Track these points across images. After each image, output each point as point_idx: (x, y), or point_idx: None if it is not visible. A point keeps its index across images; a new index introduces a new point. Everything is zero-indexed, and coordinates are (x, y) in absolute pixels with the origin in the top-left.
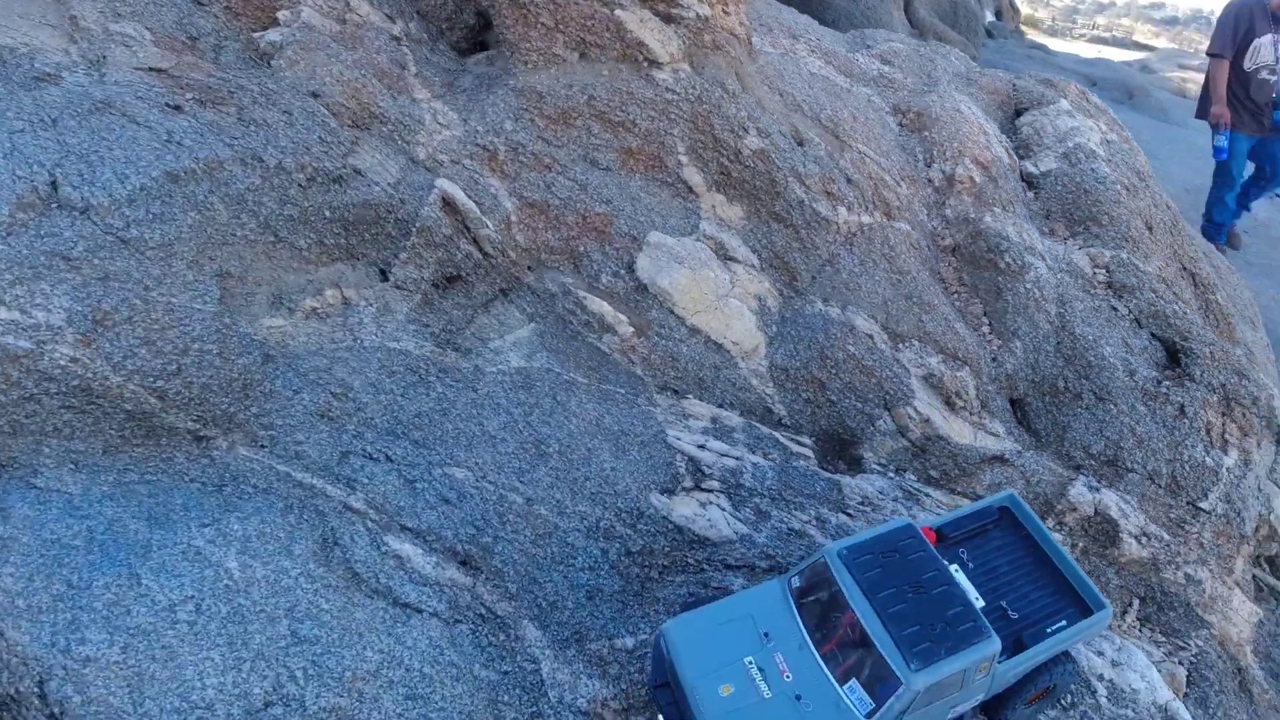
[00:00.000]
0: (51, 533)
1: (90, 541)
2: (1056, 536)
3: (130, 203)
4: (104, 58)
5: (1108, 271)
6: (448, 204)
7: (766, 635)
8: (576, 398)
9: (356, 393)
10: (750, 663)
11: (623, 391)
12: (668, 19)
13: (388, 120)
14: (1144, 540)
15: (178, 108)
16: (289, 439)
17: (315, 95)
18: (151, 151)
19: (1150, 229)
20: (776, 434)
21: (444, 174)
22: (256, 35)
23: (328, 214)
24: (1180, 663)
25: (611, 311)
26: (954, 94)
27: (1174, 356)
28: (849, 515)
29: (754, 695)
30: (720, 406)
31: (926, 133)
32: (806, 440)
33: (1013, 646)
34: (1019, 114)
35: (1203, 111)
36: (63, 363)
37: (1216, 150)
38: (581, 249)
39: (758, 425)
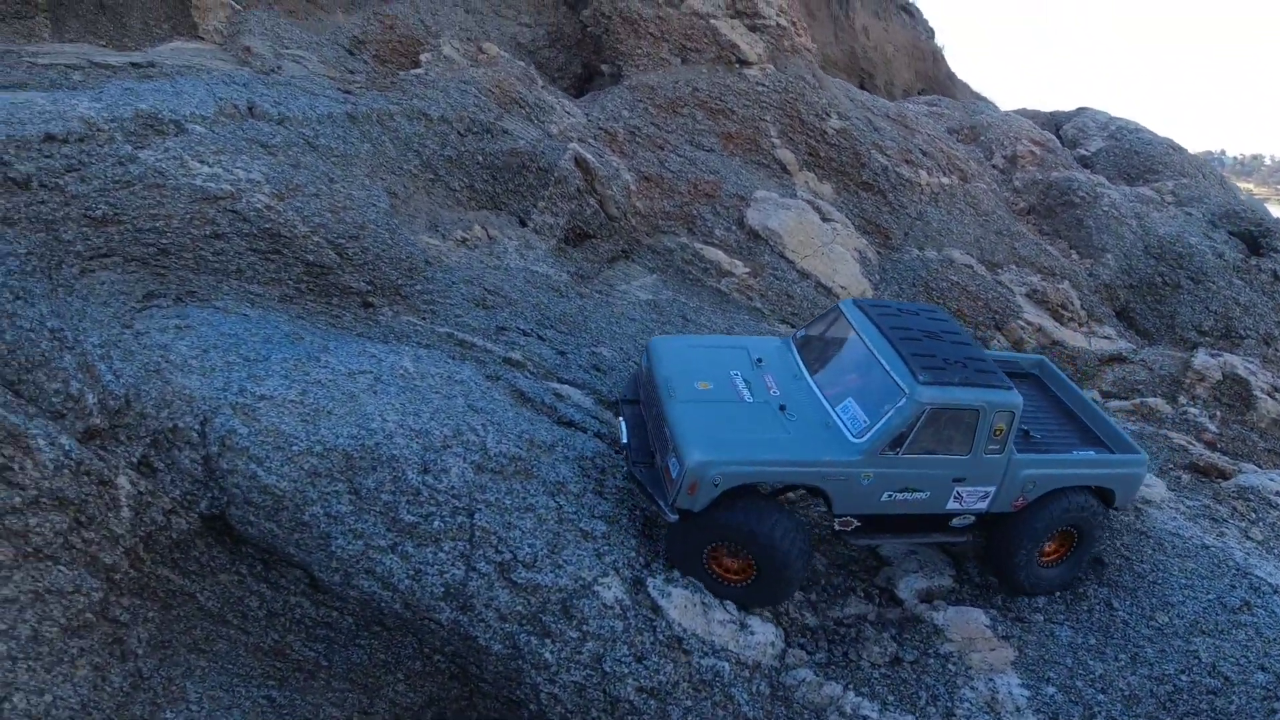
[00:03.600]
0: (230, 330)
1: (268, 341)
2: (1093, 395)
3: (319, 122)
4: (279, 67)
5: (1174, 194)
6: (580, 163)
7: (760, 361)
8: (704, 316)
9: (506, 293)
10: (736, 374)
11: (745, 318)
12: (753, 28)
13: (526, 104)
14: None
15: (349, 92)
16: (449, 313)
17: (466, 82)
18: (333, 101)
19: (1203, 175)
20: None
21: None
22: (401, 74)
23: (480, 159)
24: None
25: (727, 259)
26: (1000, 111)
27: (1254, 246)
28: None
29: (732, 395)
30: None
31: (982, 138)
32: None
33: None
34: (1059, 127)
35: None
36: (258, 206)
37: None
38: (694, 212)
39: None
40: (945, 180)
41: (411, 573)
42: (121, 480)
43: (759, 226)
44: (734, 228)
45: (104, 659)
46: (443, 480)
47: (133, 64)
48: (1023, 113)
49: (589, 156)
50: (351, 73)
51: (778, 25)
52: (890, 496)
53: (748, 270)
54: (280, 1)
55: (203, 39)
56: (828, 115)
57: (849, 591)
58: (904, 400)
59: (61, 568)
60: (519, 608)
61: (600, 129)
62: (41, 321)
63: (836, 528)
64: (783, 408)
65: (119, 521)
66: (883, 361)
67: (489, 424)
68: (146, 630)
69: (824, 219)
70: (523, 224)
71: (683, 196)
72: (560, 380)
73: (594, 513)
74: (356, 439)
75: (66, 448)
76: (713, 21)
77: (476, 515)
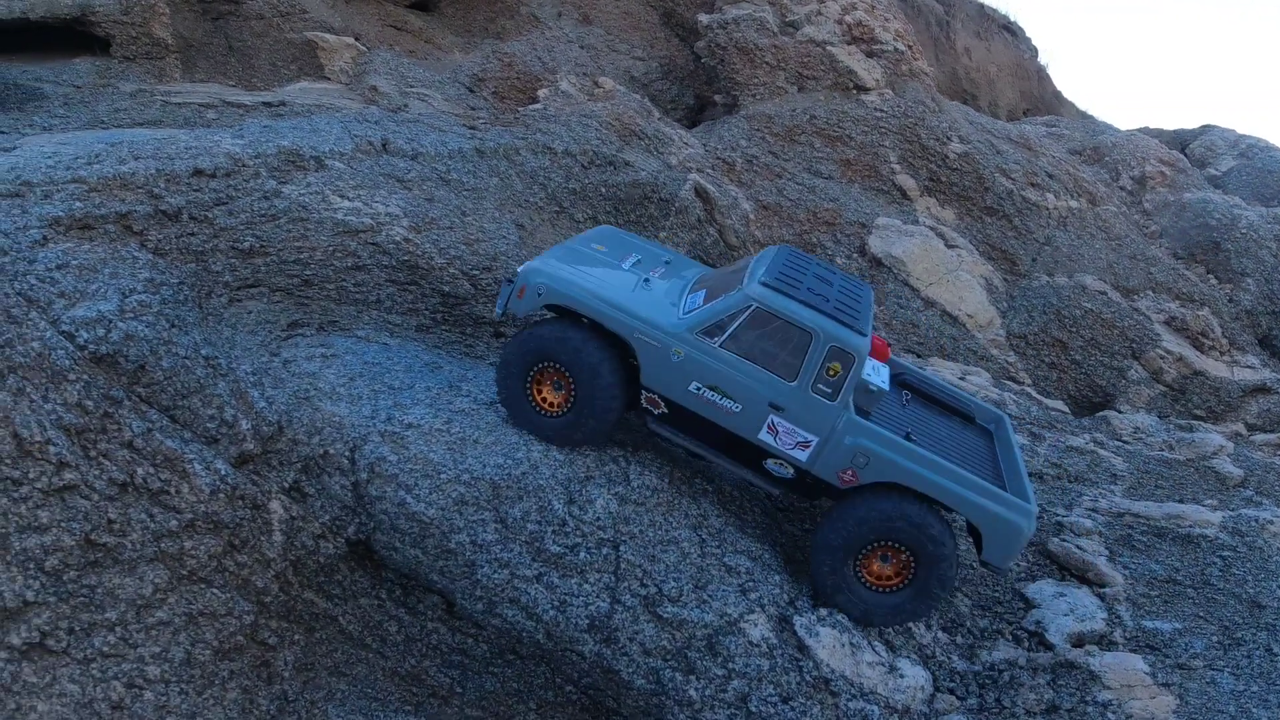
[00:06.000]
0: (373, 358)
1: (409, 370)
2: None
3: (449, 157)
4: (406, 106)
5: None
6: (700, 193)
7: (669, 263)
8: None
9: None
10: (636, 257)
11: None
12: (870, 54)
13: (646, 136)
14: None
15: (474, 128)
16: None
17: (587, 116)
18: (461, 137)
19: None
20: (1029, 390)
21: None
22: (521, 109)
23: (603, 191)
24: None
25: None
26: (1122, 131)
27: None
28: (1124, 442)
29: (613, 261)
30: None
31: (1106, 158)
32: (1059, 403)
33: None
34: (1185, 146)
35: None
36: (397, 239)
37: None
38: (814, 240)
39: (1008, 383)
40: (1073, 204)
41: (556, 603)
42: (274, 505)
43: (881, 254)
44: (855, 255)
45: (253, 682)
46: (588, 511)
47: (265, 103)
48: (1145, 131)
49: (709, 186)
50: (474, 109)
51: (895, 50)
52: (699, 390)
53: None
54: (400, 42)
55: (329, 79)
56: (948, 139)
57: (997, 634)
58: (736, 293)
59: (215, 590)
60: (664, 643)
61: (718, 159)
62: (196, 349)
63: (643, 403)
64: (646, 281)
65: (271, 545)
66: (747, 274)
67: (627, 454)
68: (292, 653)
69: (948, 245)
70: None
71: (802, 225)
72: None
73: (737, 548)
74: (503, 468)
75: (222, 472)
76: (829, 48)
77: (621, 548)
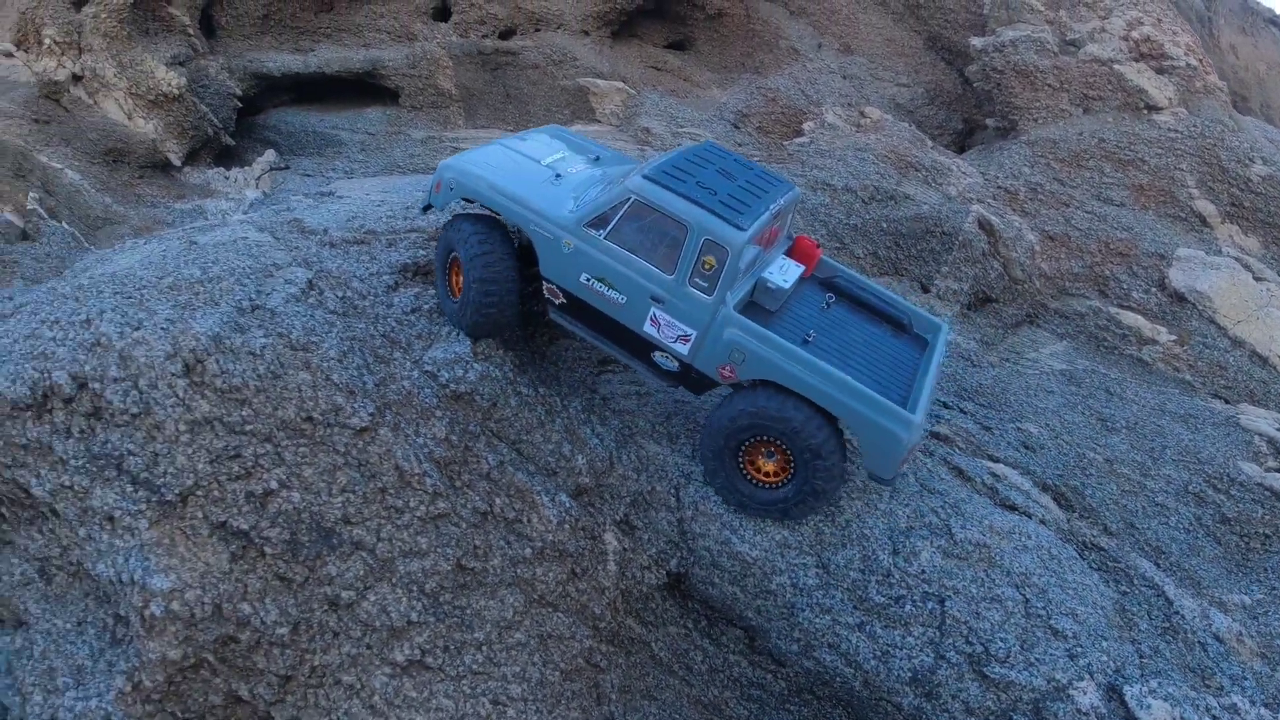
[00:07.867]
0: (682, 395)
1: None
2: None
3: None
4: (679, 145)
5: None
6: (983, 225)
7: (597, 160)
8: (1130, 389)
9: None
10: (561, 156)
11: (1175, 392)
12: (1160, 70)
13: (922, 168)
14: None
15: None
16: None
17: (862, 150)
18: None
19: None
20: None
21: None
22: (787, 143)
23: (884, 226)
24: None
25: (1148, 325)
26: None
27: None
28: None
29: (535, 158)
30: None
31: None
32: None
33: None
34: None
35: None
36: None
37: None
38: (1106, 273)
39: None
40: None
41: (879, 653)
42: (608, 536)
43: (1184, 288)
44: (1154, 290)
45: (588, 702)
46: (913, 564)
47: None
48: None
49: (992, 218)
50: (740, 146)
51: (1187, 65)
52: (588, 280)
53: (1173, 338)
54: (661, 82)
55: (600, 122)
56: (1250, 161)
57: None
58: (619, 186)
59: (560, 615)
60: (989, 703)
61: (999, 188)
62: (535, 387)
63: (545, 293)
64: (558, 176)
65: (606, 574)
66: (643, 163)
67: (945, 505)
68: (616, 676)
69: (1255, 278)
70: (925, 290)
71: (1093, 256)
72: (991, 458)
73: (1062, 609)
74: (827, 515)
75: (566, 504)
76: (1116, 67)
77: (947, 603)
